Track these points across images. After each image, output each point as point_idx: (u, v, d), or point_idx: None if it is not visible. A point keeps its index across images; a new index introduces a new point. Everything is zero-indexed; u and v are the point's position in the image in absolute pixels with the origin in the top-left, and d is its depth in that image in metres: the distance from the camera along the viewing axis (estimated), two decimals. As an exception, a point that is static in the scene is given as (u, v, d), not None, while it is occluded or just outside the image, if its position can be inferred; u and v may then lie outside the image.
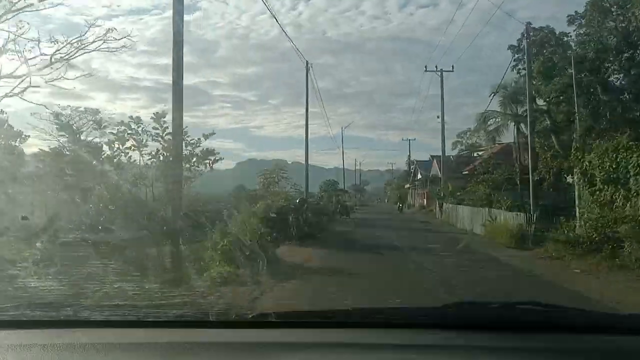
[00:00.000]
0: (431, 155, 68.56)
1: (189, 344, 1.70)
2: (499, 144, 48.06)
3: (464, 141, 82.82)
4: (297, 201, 21.15)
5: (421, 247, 15.69)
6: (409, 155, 75.42)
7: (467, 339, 1.70)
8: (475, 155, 47.33)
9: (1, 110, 18.69)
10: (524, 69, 21.66)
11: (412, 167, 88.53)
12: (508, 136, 33.93)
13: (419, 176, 65.22)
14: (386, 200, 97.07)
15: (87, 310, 2.10)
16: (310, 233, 17.92)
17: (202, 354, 1.65)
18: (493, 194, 23.42)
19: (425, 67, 34.13)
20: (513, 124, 34.05)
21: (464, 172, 41.24)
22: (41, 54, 17.93)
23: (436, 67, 33.43)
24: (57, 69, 16.55)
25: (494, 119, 35.51)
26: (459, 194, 29.05)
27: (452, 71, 33.58)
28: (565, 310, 2.01)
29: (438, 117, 33.41)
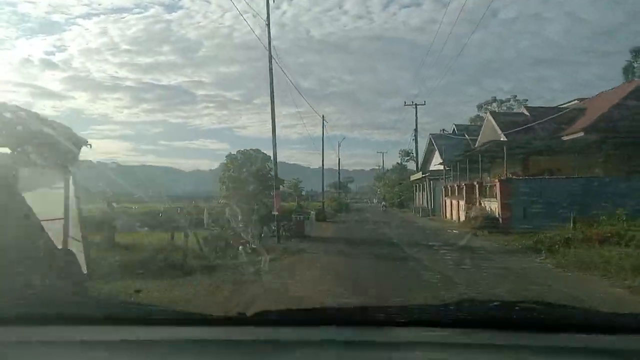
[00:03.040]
0: (455, 125, 41.59)
1: (189, 341, 1.69)
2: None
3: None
4: None
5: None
6: (415, 129, 48.17)
7: (468, 337, 1.66)
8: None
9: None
10: None
11: (407, 155, 62.88)
12: None
13: (432, 162, 38.15)
14: (375, 201, 68.31)
15: (91, 308, 2.11)
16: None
17: (202, 352, 1.63)
18: None
19: None
20: None
21: (564, 137, 20.61)
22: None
23: None
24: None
25: None
26: None
27: None
28: (565, 308, 1.96)
29: None
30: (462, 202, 23.79)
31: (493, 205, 18.52)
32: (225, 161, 19.22)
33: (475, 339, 1.63)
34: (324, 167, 40.35)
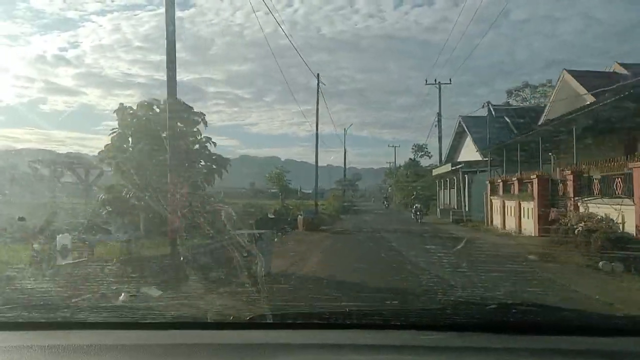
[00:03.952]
0: (493, 105, 33.22)
1: (187, 345, 1.66)
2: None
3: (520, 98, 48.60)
4: None
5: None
6: (439, 113, 40.04)
7: (465, 339, 1.64)
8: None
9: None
10: None
11: (421, 150, 54.32)
12: None
13: (461, 152, 30.07)
14: (386, 204, 59.06)
15: (84, 312, 2.07)
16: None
17: (200, 356, 1.59)
18: None
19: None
20: None
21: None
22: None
23: None
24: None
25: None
26: None
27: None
28: (561, 311, 1.94)
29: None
30: (528, 205, 15.39)
31: (626, 213, 10.03)
32: (117, 122, 10.36)
33: (472, 342, 1.62)
34: (332, 164, 32.61)
